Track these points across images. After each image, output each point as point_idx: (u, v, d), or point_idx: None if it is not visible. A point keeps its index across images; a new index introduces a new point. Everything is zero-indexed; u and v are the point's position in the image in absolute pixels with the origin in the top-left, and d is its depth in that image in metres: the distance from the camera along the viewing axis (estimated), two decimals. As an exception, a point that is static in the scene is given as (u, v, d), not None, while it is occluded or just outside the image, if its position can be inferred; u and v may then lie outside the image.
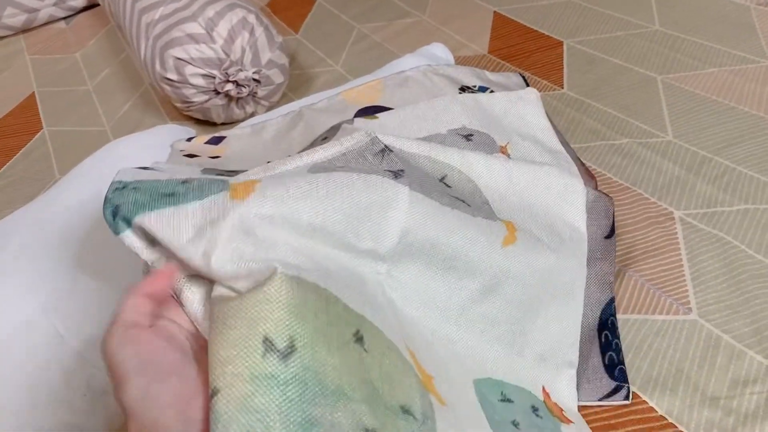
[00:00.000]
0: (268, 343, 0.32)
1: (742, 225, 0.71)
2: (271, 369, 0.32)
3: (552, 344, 0.58)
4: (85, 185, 0.66)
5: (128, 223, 0.37)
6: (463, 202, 0.54)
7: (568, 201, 0.61)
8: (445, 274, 0.51)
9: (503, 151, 0.63)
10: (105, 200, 0.39)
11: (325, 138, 0.63)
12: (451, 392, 0.43)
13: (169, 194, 0.39)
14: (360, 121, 0.63)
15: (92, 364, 0.55)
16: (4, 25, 1.40)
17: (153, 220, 0.37)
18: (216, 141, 0.73)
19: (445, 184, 0.56)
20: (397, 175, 0.48)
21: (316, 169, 0.47)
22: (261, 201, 0.40)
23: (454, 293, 0.52)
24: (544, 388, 0.55)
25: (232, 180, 0.42)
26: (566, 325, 0.60)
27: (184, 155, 0.68)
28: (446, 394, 0.42)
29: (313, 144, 0.65)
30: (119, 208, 0.38)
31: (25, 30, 1.45)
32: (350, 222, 0.44)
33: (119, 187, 0.40)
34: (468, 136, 0.62)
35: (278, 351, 0.32)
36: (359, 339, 0.37)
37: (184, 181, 0.41)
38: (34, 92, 1.22)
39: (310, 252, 0.40)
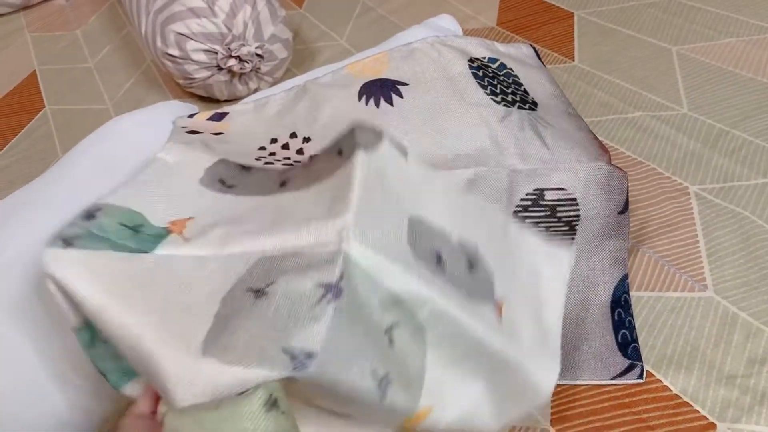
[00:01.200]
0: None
1: (759, 199, 0.69)
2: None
3: None
4: (85, 164, 0.65)
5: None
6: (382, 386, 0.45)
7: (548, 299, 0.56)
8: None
9: (498, 307, 0.53)
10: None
11: (340, 152, 0.50)
12: None
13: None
14: (387, 145, 0.50)
15: None
16: (4, 2, 1.38)
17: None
18: (219, 117, 0.71)
19: (390, 339, 0.47)
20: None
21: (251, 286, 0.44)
22: None
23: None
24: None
25: None
26: None
27: (186, 132, 0.67)
28: None
29: (330, 151, 0.52)
30: (108, 375, 0.46)
31: (24, 7, 1.42)
32: None
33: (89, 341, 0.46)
34: (472, 266, 0.52)
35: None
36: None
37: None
38: (35, 70, 1.20)
39: None
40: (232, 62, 0.93)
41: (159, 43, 0.94)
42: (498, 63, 0.73)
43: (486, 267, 0.53)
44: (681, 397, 0.55)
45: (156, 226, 0.51)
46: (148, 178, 0.56)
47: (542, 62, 0.81)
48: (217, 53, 0.92)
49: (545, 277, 0.57)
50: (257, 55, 0.94)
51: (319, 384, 0.41)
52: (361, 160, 0.47)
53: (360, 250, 0.43)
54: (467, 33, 1.06)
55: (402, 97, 0.67)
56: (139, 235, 0.50)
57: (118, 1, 1.20)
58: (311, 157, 0.56)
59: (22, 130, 1.04)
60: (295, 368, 0.39)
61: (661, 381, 0.56)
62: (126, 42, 1.22)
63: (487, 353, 0.49)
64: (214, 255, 0.47)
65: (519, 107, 0.67)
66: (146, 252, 0.48)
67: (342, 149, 0.50)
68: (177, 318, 0.43)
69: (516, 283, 0.55)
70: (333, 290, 0.41)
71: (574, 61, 0.96)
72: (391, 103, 0.67)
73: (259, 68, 0.97)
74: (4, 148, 1.01)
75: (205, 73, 0.95)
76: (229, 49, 0.92)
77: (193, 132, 0.67)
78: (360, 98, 0.68)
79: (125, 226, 0.50)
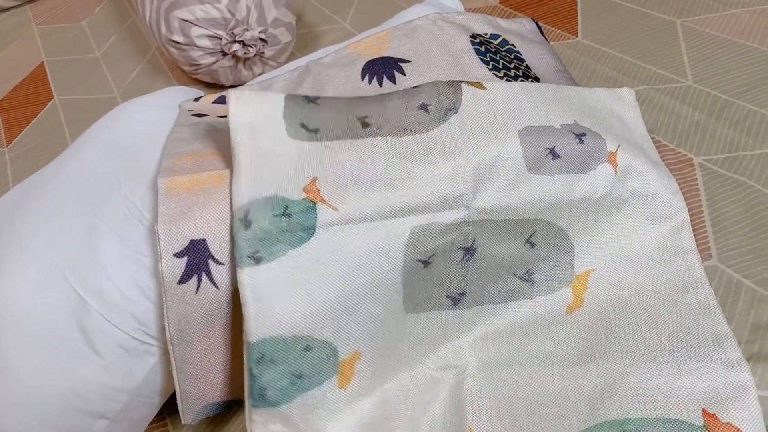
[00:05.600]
0: None
1: (764, 169, 0.69)
2: None
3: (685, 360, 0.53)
4: (93, 150, 0.66)
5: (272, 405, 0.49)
6: (529, 279, 0.59)
7: (670, 226, 0.62)
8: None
9: (612, 159, 0.59)
10: (251, 375, 0.48)
11: (425, 107, 0.58)
12: None
13: (298, 376, 0.49)
14: (467, 90, 0.58)
15: (118, 328, 0.55)
16: (10, -4, 1.40)
17: (293, 410, 0.49)
18: (224, 100, 0.72)
19: (530, 243, 0.58)
20: (455, 300, 0.58)
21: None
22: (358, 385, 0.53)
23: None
24: (705, 411, 0.49)
25: (341, 357, 0.51)
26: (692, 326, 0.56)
27: (193, 115, 0.68)
28: None
29: (406, 99, 0.59)
30: (266, 392, 0.48)
31: (30, 0, 1.44)
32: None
33: (260, 358, 0.48)
34: (581, 136, 0.58)
35: None
36: None
37: (306, 348, 0.49)
38: (43, 62, 1.21)
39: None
40: (236, 47, 0.93)
41: (164, 30, 0.95)
42: (500, 39, 0.73)
43: (591, 131, 0.61)
44: (686, 364, 0.55)
45: (296, 200, 0.51)
46: (244, 159, 0.52)
47: (545, 37, 0.81)
48: (221, 39, 0.93)
49: (628, 118, 0.69)
50: (261, 39, 0.95)
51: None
52: (454, 123, 0.57)
53: (483, 205, 0.55)
54: (469, 11, 1.06)
55: (405, 75, 0.68)
56: (293, 218, 0.49)
57: (123, -9, 1.21)
58: (380, 96, 0.61)
59: (32, 122, 1.06)
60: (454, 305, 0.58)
61: (666, 349, 0.57)
62: (131, 31, 1.23)
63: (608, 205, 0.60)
64: (365, 221, 0.52)
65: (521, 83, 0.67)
66: (311, 234, 0.50)
67: (427, 105, 0.58)
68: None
69: (614, 133, 0.63)
70: (468, 252, 0.56)
71: (577, 36, 0.95)
72: (393, 81, 0.67)
73: (263, 53, 0.98)
74: (15, 140, 1.03)
75: (209, 59, 0.95)
76: (232, 34, 0.92)
77: (199, 115, 0.68)
78: (363, 77, 0.69)
79: (277, 215, 0.49)
